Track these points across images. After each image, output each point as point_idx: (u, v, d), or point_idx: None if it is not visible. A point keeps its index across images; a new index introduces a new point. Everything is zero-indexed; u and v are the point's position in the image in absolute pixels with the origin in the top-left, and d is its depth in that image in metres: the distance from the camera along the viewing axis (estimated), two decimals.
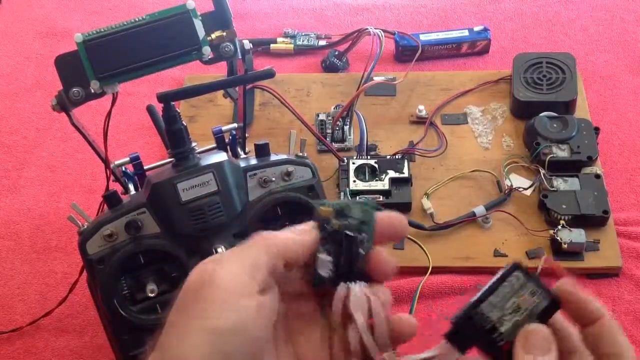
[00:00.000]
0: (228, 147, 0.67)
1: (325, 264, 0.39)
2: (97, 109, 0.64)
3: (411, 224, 0.75)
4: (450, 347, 0.38)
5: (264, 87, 0.82)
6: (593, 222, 0.74)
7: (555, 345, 0.37)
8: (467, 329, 0.38)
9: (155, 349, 0.35)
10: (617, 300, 0.71)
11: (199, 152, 0.61)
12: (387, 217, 0.40)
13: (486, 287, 0.38)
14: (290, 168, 0.60)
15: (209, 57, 0.57)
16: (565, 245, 0.71)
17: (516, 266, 0.38)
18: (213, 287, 0.35)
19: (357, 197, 0.76)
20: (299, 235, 0.39)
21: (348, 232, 0.39)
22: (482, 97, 0.89)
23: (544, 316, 0.38)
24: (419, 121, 0.86)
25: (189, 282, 0.36)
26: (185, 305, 0.35)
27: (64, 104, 0.57)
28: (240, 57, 0.59)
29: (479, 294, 0.38)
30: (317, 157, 0.83)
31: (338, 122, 0.84)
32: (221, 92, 0.81)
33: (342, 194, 0.76)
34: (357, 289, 0.39)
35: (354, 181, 0.77)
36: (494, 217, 0.77)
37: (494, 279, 0.39)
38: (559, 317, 0.39)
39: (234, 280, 0.35)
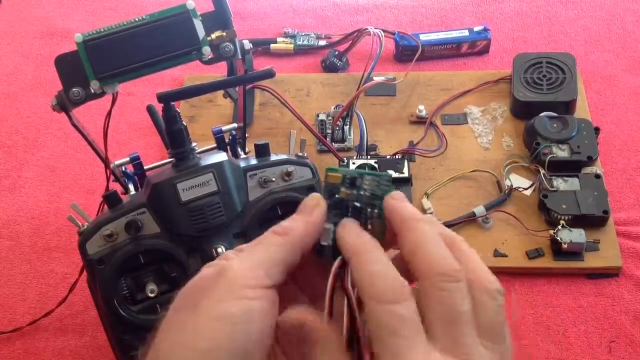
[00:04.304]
0: (228, 147, 0.67)
1: (327, 232, 0.36)
2: (97, 109, 0.64)
3: None
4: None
5: (264, 87, 0.82)
6: (593, 222, 0.74)
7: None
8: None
9: (150, 348, 0.34)
10: (617, 300, 0.71)
11: (199, 152, 0.61)
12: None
13: None
14: (290, 168, 0.60)
15: (209, 57, 0.57)
16: (565, 245, 0.71)
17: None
18: (222, 279, 0.34)
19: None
20: (311, 216, 0.37)
21: (356, 204, 0.37)
22: (482, 97, 0.89)
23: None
24: (419, 121, 0.86)
25: (198, 278, 0.35)
26: (189, 300, 0.34)
27: (64, 104, 0.57)
28: (240, 57, 0.59)
29: None
30: (317, 157, 0.83)
31: (338, 122, 0.84)
32: (221, 92, 0.81)
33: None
34: None
35: None
36: (494, 217, 0.77)
37: None
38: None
39: (245, 272, 0.34)
